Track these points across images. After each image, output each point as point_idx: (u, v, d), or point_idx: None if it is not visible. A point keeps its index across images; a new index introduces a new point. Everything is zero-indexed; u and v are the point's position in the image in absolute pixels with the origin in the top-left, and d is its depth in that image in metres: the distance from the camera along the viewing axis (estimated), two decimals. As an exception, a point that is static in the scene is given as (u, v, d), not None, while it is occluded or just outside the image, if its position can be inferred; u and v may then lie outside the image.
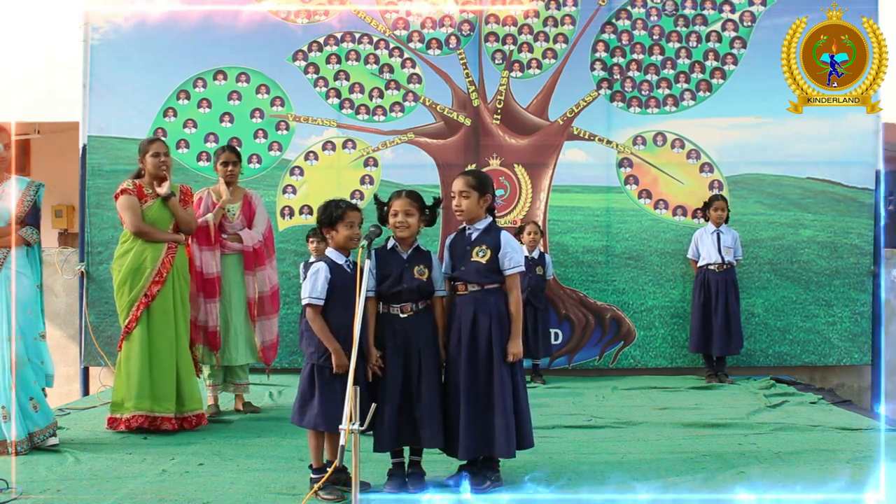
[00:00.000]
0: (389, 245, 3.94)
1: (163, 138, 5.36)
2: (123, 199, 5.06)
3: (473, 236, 3.94)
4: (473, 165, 7.17)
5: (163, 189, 5.09)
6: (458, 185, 3.94)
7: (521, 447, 3.89)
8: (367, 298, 3.71)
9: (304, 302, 3.85)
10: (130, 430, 4.94)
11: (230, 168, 5.59)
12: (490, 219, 4.00)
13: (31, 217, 4.64)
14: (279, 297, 5.87)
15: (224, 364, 5.58)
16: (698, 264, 7.03)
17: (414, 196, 3.91)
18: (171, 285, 5.06)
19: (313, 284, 3.81)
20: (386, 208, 3.92)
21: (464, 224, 4.00)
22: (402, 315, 3.87)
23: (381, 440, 3.84)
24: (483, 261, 3.88)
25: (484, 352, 3.84)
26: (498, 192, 7.23)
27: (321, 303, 3.80)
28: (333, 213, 3.89)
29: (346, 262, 3.90)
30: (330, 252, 3.93)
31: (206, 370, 5.63)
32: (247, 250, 5.60)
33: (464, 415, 3.80)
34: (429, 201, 3.95)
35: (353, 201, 7.01)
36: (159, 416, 4.95)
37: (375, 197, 4.03)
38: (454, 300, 3.96)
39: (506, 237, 3.94)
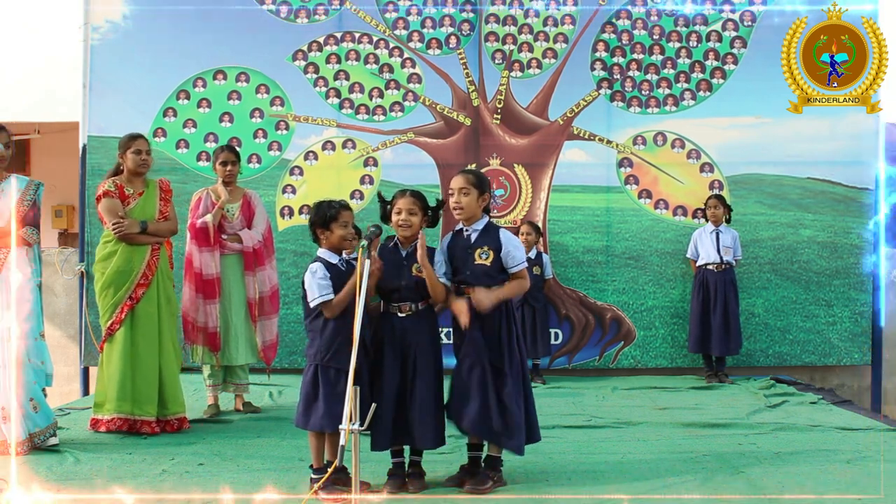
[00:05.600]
0: (391, 243, 3.94)
1: (144, 135, 5.24)
2: (105, 201, 5.00)
3: (473, 238, 3.92)
4: (473, 165, 7.17)
5: (135, 228, 4.96)
6: (457, 182, 3.93)
7: (528, 441, 3.90)
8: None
9: (314, 304, 3.80)
10: (110, 431, 4.91)
11: (229, 168, 5.59)
12: (487, 218, 3.98)
13: (31, 216, 4.64)
14: (279, 297, 5.87)
15: (224, 364, 5.58)
16: (697, 264, 7.03)
17: (418, 196, 3.90)
18: (155, 286, 5.02)
19: (318, 284, 3.79)
20: (389, 206, 3.92)
21: (460, 225, 3.98)
22: (400, 314, 3.87)
23: (377, 439, 3.84)
24: (487, 263, 3.86)
25: (493, 352, 3.82)
26: (498, 192, 7.24)
27: (333, 296, 3.80)
28: (327, 214, 3.88)
29: (340, 260, 3.90)
30: (322, 252, 3.92)
31: (206, 370, 5.62)
32: (247, 250, 5.59)
33: (474, 399, 3.78)
34: (432, 202, 3.95)
35: (353, 201, 7.07)
36: (139, 420, 4.91)
37: (379, 194, 4.02)
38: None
39: (505, 235, 3.93)
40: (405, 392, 3.84)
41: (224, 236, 5.56)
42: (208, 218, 5.46)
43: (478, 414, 3.78)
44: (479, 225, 3.94)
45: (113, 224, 4.93)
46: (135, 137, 5.10)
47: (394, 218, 3.89)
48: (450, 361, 3.93)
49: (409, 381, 3.84)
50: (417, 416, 3.81)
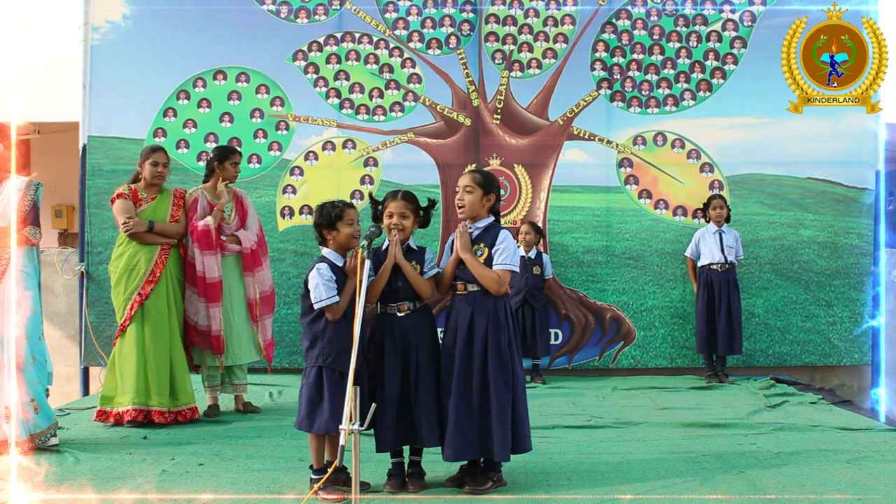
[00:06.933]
0: (384, 246, 3.94)
1: (164, 148, 5.46)
2: (119, 202, 5.28)
3: (474, 235, 3.92)
4: (473, 165, 7.17)
5: (141, 227, 5.24)
6: (463, 180, 3.93)
7: (516, 451, 3.84)
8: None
9: (318, 305, 3.78)
10: (121, 423, 5.11)
11: (238, 169, 5.65)
12: (492, 219, 3.97)
13: (31, 216, 4.65)
14: (275, 296, 5.86)
15: (227, 364, 5.57)
16: (700, 264, 7.02)
17: (409, 198, 3.92)
18: (164, 284, 5.28)
19: (325, 286, 3.77)
20: (381, 208, 3.93)
21: (466, 223, 3.99)
22: (399, 314, 3.87)
23: (382, 440, 3.84)
24: (481, 259, 3.86)
25: (479, 354, 3.81)
26: (498, 192, 7.23)
27: (338, 298, 3.79)
28: (332, 213, 3.88)
29: (345, 262, 3.90)
30: (328, 253, 3.91)
31: (204, 371, 5.62)
32: (245, 251, 5.59)
33: (452, 417, 3.77)
34: (423, 203, 3.96)
35: (353, 201, 7.06)
36: (154, 410, 5.16)
37: (370, 195, 4.05)
38: (453, 299, 3.96)
39: (503, 234, 3.90)
40: (409, 391, 3.84)
41: (223, 237, 5.54)
42: (209, 220, 5.44)
43: (455, 441, 3.75)
44: (483, 223, 3.94)
45: (122, 224, 5.24)
46: (155, 150, 5.40)
47: (385, 221, 3.90)
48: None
49: (413, 379, 3.83)
50: (425, 414, 3.81)
